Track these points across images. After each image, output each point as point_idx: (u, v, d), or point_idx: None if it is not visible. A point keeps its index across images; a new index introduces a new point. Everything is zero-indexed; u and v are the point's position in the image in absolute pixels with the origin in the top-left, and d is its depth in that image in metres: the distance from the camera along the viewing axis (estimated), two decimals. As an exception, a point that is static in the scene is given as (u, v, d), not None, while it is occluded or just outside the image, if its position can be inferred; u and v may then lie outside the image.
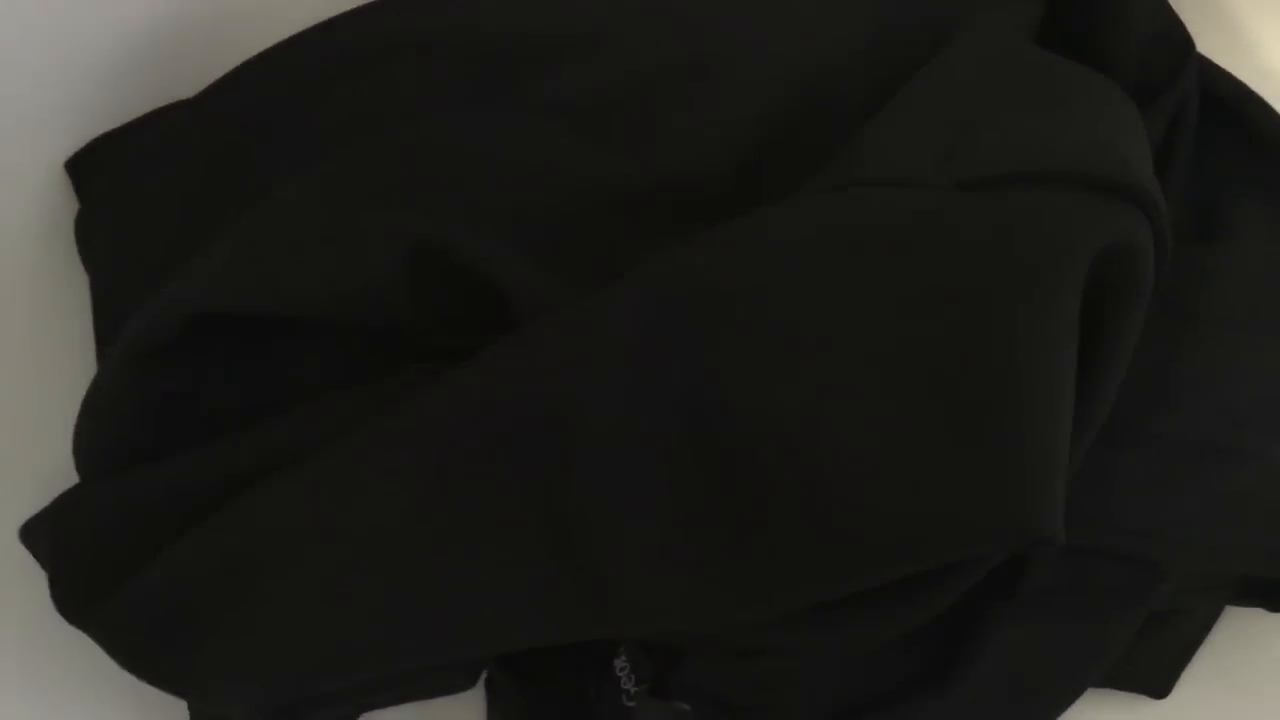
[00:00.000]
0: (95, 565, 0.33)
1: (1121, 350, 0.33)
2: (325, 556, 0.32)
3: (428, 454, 0.32)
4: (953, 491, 0.30)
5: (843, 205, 0.33)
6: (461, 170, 0.36)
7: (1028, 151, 0.33)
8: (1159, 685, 0.42)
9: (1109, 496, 0.36)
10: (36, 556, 0.35)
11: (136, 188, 0.39)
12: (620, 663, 0.38)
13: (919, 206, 0.32)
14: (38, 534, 0.35)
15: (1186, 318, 0.37)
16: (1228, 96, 0.41)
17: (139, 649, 0.33)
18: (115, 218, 0.39)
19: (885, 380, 0.31)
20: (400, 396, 0.33)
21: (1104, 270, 0.32)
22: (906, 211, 0.32)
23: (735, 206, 0.34)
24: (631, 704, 0.37)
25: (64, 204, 0.40)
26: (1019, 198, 0.32)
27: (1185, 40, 0.40)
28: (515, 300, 0.34)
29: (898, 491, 0.30)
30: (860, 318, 0.32)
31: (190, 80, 0.39)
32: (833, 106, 0.37)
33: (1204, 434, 0.36)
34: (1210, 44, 0.41)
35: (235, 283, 0.33)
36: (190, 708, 0.37)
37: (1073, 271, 0.31)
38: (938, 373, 0.31)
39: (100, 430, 0.35)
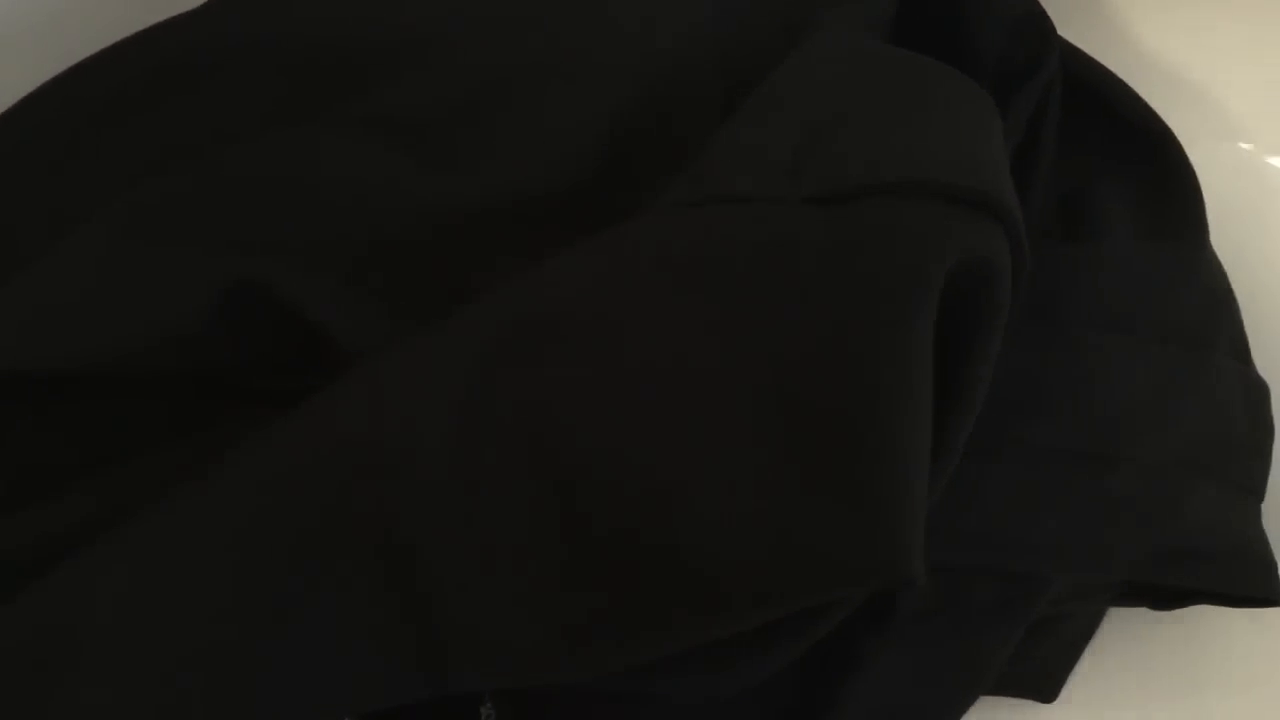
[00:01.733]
0: None
1: (983, 363, 0.31)
2: (138, 639, 0.29)
3: (254, 514, 0.30)
4: (810, 534, 0.28)
5: (685, 226, 0.31)
6: (279, 199, 0.33)
7: (878, 162, 0.31)
8: (1047, 689, 0.42)
9: (979, 511, 0.34)
10: None
11: None
12: (486, 710, 0.36)
13: (766, 225, 0.30)
14: None
15: (1053, 322, 0.35)
16: (1087, 80, 0.39)
17: None
18: None
19: (734, 412, 0.29)
20: (218, 454, 0.31)
21: (960, 285, 0.30)
22: (752, 231, 0.30)
23: (581, 222, 0.32)
24: (497, 754, 0.35)
25: None
26: (871, 211, 0.30)
27: (1047, 26, 0.38)
28: (341, 339, 0.32)
29: (752, 534, 0.28)
30: (706, 346, 0.30)
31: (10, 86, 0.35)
32: (684, 106, 0.35)
33: (1074, 443, 0.35)
34: (1075, 30, 0.40)
35: (26, 343, 0.30)
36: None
37: (928, 288, 0.29)
38: (789, 402, 0.29)
39: None
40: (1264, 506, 0.40)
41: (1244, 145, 0.46)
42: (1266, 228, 0.45)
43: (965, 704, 0.37)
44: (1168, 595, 0.39)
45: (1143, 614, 0.42)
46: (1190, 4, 0.45)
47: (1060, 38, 0.39)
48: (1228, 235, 0.40)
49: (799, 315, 0.29)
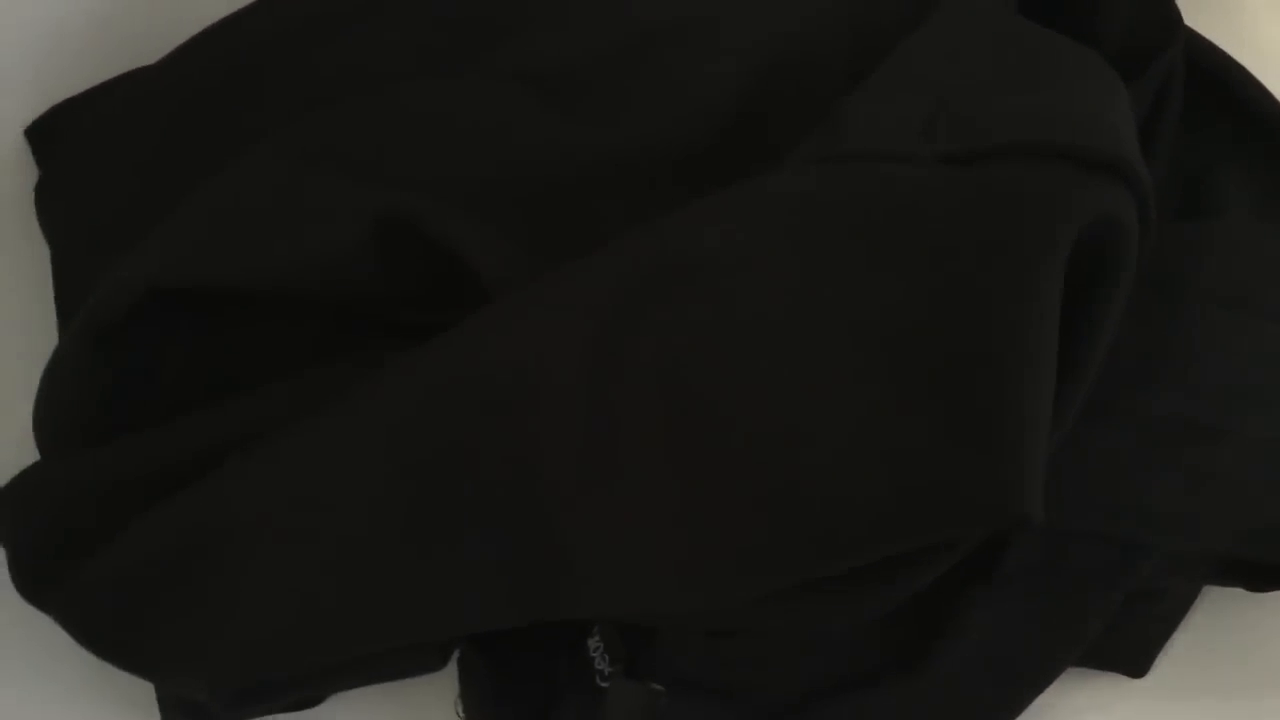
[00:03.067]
0: (54, 545, 0.33)
1: (1104, 328, 0.32)
2: (286, 539, 0.31)
3: (392, 433, 0.32)
4: (932, 471, 0.29)
5: (823, 179, 0.32)
6: (431, 140, 0.35)
7: (1011, 124, 0.32)
8: (1137, 665, 0.42)
9: (1089, 476, 0.35)
10: None
11: (98, 155, 0.38)
12: (594, 643, 0.37)
13: (901, 181, 0.32)
14: None
15: (1170, 296, 0.36)
16: (1213, 69, 0.40)
17: (98, 631, 0.32)
18: (76, 186, 0.38)
19: (863, 357, 0.30)
20: (365, 376, 0.33)
21: (1088, 246, 0.31)
22: (888, 186, 0.32)
23: (714, 174, 0.33)
24: (604, 684, 0.36)
25: (24, 172, 0.39)
26: (1002, 172, 0.31)
27: (1172, 13, 0.39)
28: (485, 275, 0.33)
29: (875, 471, 0.30)
30: (839, 294, 0.31)
31: (152, 47, 0.38)
32: (814, 71, 0.37)
33: (1185, 413, 0.36)
34: (1198, 18, 0.41)
35: (195, 258, 0.32)
36: (157, 692, 0.36)
37: (1056, 248, 0.30)
38: (918, 350, 0.30)
39: (59, 407, 0.34)
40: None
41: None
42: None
43: (1060, 664, 0.38)
44: (1265, 575, 0.40)
45: (1238, 598, 0.42)
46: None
47: (1187, 27, 0.40)
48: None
49: (930, 267, 0.31)
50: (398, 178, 0.34)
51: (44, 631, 0.34)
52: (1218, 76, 0.40)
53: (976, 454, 0.29)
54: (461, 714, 0.40)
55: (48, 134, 0.39)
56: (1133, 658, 0.42)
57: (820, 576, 0.31)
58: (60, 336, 0.38)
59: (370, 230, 0.33)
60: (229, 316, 0.34)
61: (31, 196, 0.39)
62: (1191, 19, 0.40)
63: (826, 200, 0.32)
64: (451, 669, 0.40)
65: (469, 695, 0.40)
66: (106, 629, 0.32)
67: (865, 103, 0.34)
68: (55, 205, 0.38)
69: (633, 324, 0.31)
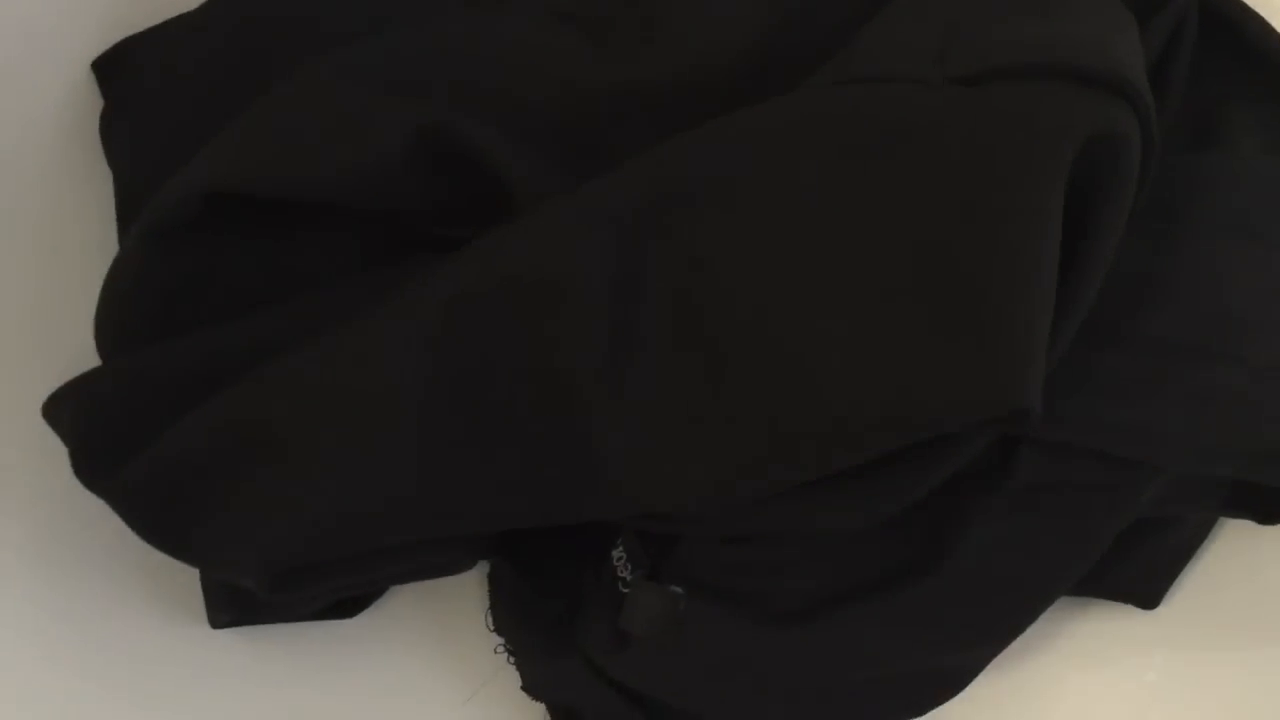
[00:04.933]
0: (114, 436, 0.35)
1: (1105, 240, 0.33)
2: (327, 430, 0.33)
3: (427, 332, 0.33)
4: (934, 364, 0.31)
5: (835, 98, 0.34)
6: (468, 66, 0.37)
7: (1019, 47, 0.33)
8: (1149, 596, 0.43)
9: (1092, 395, 0.36)
10: (58, 430, 0.36)
11: (159, 87, 0.40)
12: (618, 553, 0.39)
13: (912, 101, 0.33)
14: (59, 408, 0.36)
15: (1174, 221, 0.37)
16: (1228, 14, 0.41)
17: (152, 516, 0.34)
18: (139, 116, 0.40)
19: (870, 261, 0.32)
20: (407, 280, 0.34)
21: (1089, 161, 0.32)
22: (895, 104, 0.33)
23: (737, 103, 0.35)
24: (626, 590, 0.38)
25: (91, 103, 0.42)
26: (1008, 90, 0.33)
27: (1187, -44, 0.40)
28: (519, 190, 0.35)
29: (880, 367, 0.31)
30: (851, 204, 0.32)
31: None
32: (835, 12, 0.38)
33: (1188, 336, 0.37)
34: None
35: (245, 165, 0.35)
36: (201, 576, 0.38)
37: (1056, 159, 0.32)
38: (924, 255, 0.32)
39: (119, 309, 0.36)
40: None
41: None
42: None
43: (1063, 581, 0.39)
44: (1273, 504, 0.41)
45: (1250, 534, 0.43)
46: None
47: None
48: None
49: (938, 179, 0.32)
50: (440, 96, 0.36)
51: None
52: (1232, 21, 0.41)
53: (977, 348, 0.30)
54: (491, 626, 0.42)
55: (112, 68, 0.41)
56: (1145, 588, 0.43)
57: (833, 472, 0.32)
58: (120, 243, 0.40)
59: (413, 143, 0.35)
60: (281, 224, 0.36)
61: (97, 126, 0.41)
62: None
63: (839, 117, 0.33)
64: (482, 583, 0.42)
65: (498, 607, 0.42)
66: (158, 514, 0.34)
67: (880, 31, 0.35)
68: (118, 133, 0.41)
69: (655, 232, 0.33)
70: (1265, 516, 0.41)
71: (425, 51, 0.37)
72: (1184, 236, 0.37)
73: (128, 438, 0.34)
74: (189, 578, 0.39)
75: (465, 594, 0.43)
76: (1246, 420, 0.38)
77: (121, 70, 0.41)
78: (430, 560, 0.38)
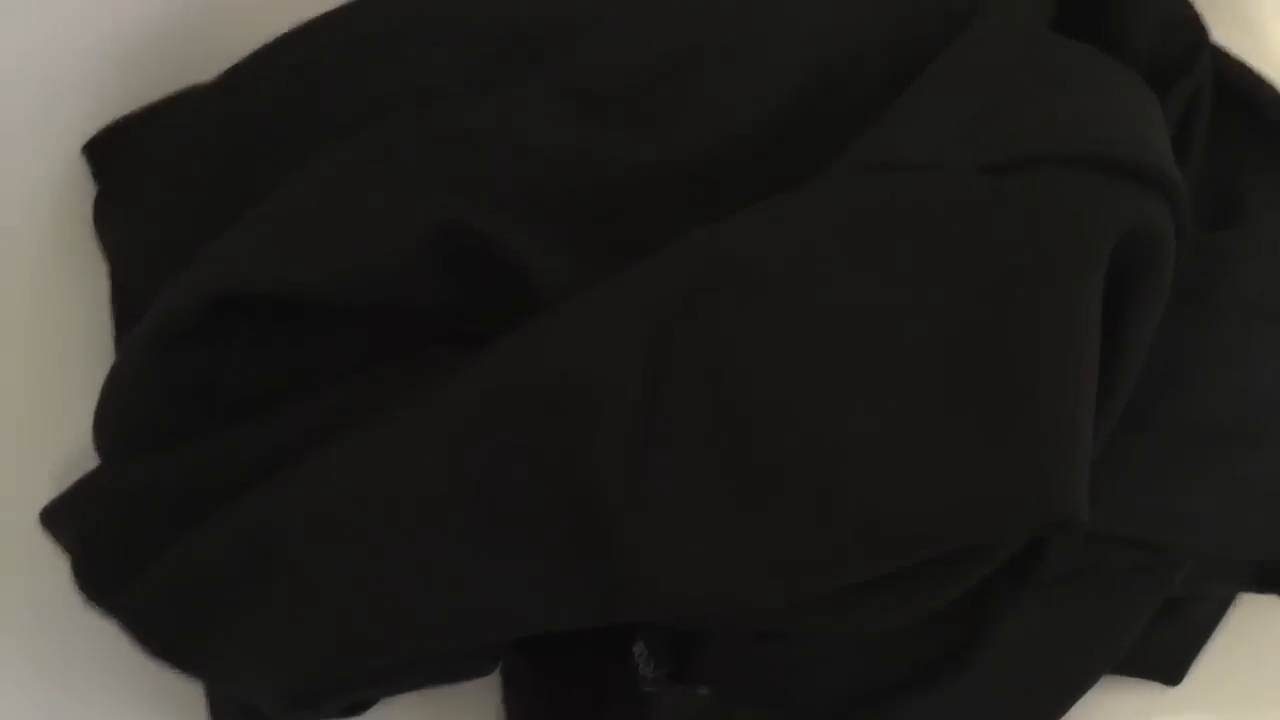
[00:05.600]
0: (118, 548, 0.33)
1: (1143, 335, 0.33)
2: (348, 541, 0.32)
3: (451, 438, 0.32)
4: (977, 474, 0.30)
5: (867, 189, 0.33)
6: (484, 154, 0.36)
7: (1050, 133, 0.33)
8: (1172, 672, 0.43)
9: (1123, 481, 0.36)
10: (58, 540, 0.35)
11: (155, 171, 0.39)
12: (639, 648, 0.38)
13: (943, 190, 0.33)
14: (59, 518, 0.35)
15: (1202, 303, 0.37)
16: (1240, 84, 0.41)
17: (162, 633, 0.33)
18: (134, 201, 0.39)
19: (909, 363, 0.31)
20: (424, 381, 0.33)
21: (1126, 254, 0.32)
22: (930, 195, 0.33)
23: (760, 190, 0.34)
24: (650, 690, 0.37)
25: (83, 188, 0.40)
26: (1042, 180, 0.32)
27: (1199, 28, 0.40)
28: (538, 284, 0.34)
29: (922, 473, 0.30)
30: (884, 301, 0.32)
31: (206, 65, 0.39)
32: (856, 90, 0.37)
33: (1219, 419, 0.37)
34: (1224, 33, 0.42)
35: (257, 266, 0.33)
36: (209, 696, 0.37)
37: (1097, 255, 0.31)
38: (962, 355, 0.31)
39: (122, 413, 0.35)
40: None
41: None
42: None
43: (1096, 672, 0.38)
44: (1301, 581, 0.40)
45: (1273, 605, 0.42)
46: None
47: (1213, 42, 0.41)
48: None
49: (974, 274, 0.31)
50: (453, 189, 0.35)
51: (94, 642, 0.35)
52: (1244, 92, 0.41)
53: (1022, 457, 0.30)
54: (505, 720, 0.41)
55: (106, 150, 0.40)
56: (1168, 665, 0.42)
57: (870, 579, 0.31)
58: (117, 348, 0.38)
59: (428, 240, 0.34)
60: (289, 324, 0.35)
61: (89, 212, 0.40)
62: (1218, 36, 0.41)
63: (869, 209, 0.33)
64: (494, 677, 0.41)
65: (513, 702, 0.40)
66: (170, 631, 0.33)
67: (904, 114, 0.35)
68: (112, 220, 0.39)
69: (685, 328, 0.32)
70: (1291, 592, 0.41)
71: (436, 141, 0.36)
72: (1210, 318, 0.37)
73: (133, 551, 0.33)
74: (193, 690, 0.38)
75: (477, 689, 0.41)
76: (1277, 504, 0.37)
77: (115, 153, 0.40)
78: (451, 669, 0.36)
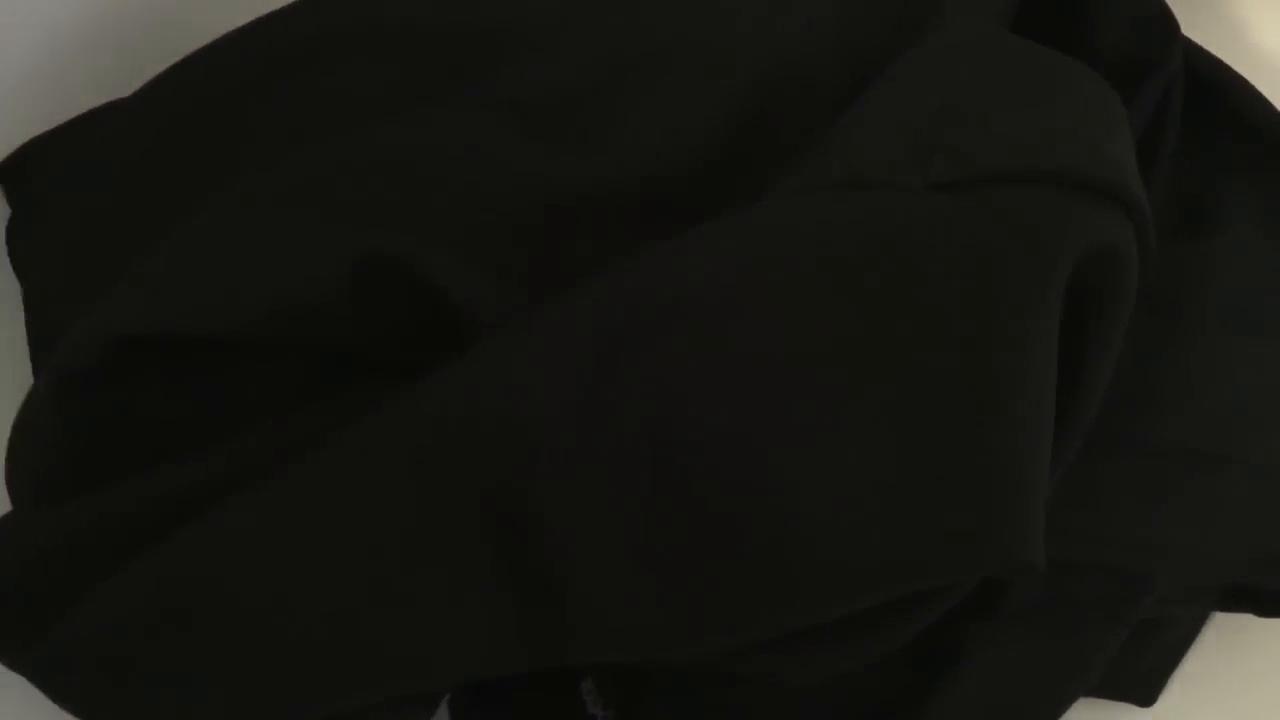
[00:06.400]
0: (29, 601, 0.32)
1: (1105, 359, 0.31)
2: (270, 590, 0.30)
3: (377, 480, 0.31)
4: (929, 520, 0.28)
5: (812, 210, 0.31)
6: (412, 177, 0.34)
7: (1006, 149, 0.31)
8: (1145, 693, 0.41)
9: (1092, 508, 0.34)
10: None
11: (70, 193, 0.37)
12: (587, 686, 0.36)
13: (893, 210, 0.31)
14: None
15: (1169, 319, 0.35)
16: (1211, 79, 0.39)
17: (76, 689, 0.31)
18: (49, 224, 0.37)
19: (856, 397, 0.29)
20: (347, 421, 0.31)
21: (1086, 273, 0.30)
22: (880, 216, 0.31)
23: (702, 206, 0.32)
24: (597, 729, 0.36)
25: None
26: (996, 199, 0.30)
27: (1170, 22, 0.38)
28: (471, 313, 0.32)
29: (871, 516, 0.29)
30: (830, 331, 0.30)
31: (120, 81, 0.37)
32: (803, 98, 0.36)
33: (1188, 441, 0.35)
34: (1195, 27, 0.40)
35: (162, 307, 0.31)
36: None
37: (1053, 276, 0.29)
38: (912, 390, 0.29)
39: (31, 457, 0.33)
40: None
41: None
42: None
43: (1066, 701, 0.37)
44: (1274, 600, 0.39)
45: (1247, 622, 0.41)
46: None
47: (1184, 37, 0.39)
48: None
49: (924, 300, 0.30)
50: (378, 217, 0.33)
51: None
52: (1217, 87, 0.39)
53: (974, 502, 0.28)
54: (452, 760, 0.39)
55: (18, 172, 0.38)
56: (1141, 686, 0.41)
57: (817, 622, 0.30)
58: (35, 379, 0.37)
59: (351, 270, 0.32)
60: (202, 362, 0.33)
61: (1, 236, 0.38)
62: (1185, 24, 0.39)
63: (815, 232, 0.31)
64: (443, 712, 0.40)
65: (461, 739, 0.39)
66: (86, 687, 0.31)
67: (854, 129, 0.33)
68: (27, 244, 0.37)
69: (619, 366, 0.30)
70: (1264, 611, 0.40)
71: (361, 165, 0.34)
72: (1176, 334, 0.35)
73: (44, 605, 0.31)
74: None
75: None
76: (1249, 525, 0.36)
77: (29, 174, 0.38)
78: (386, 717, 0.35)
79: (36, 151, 0.38)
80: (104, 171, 0.36)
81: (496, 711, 0.38)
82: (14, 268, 0.38)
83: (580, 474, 0.30)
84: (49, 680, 0.31)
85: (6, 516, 0.33)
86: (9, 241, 0.38)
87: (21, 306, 0.38)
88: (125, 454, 0.33)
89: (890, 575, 0.28)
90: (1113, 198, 0.30)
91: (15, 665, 0.32)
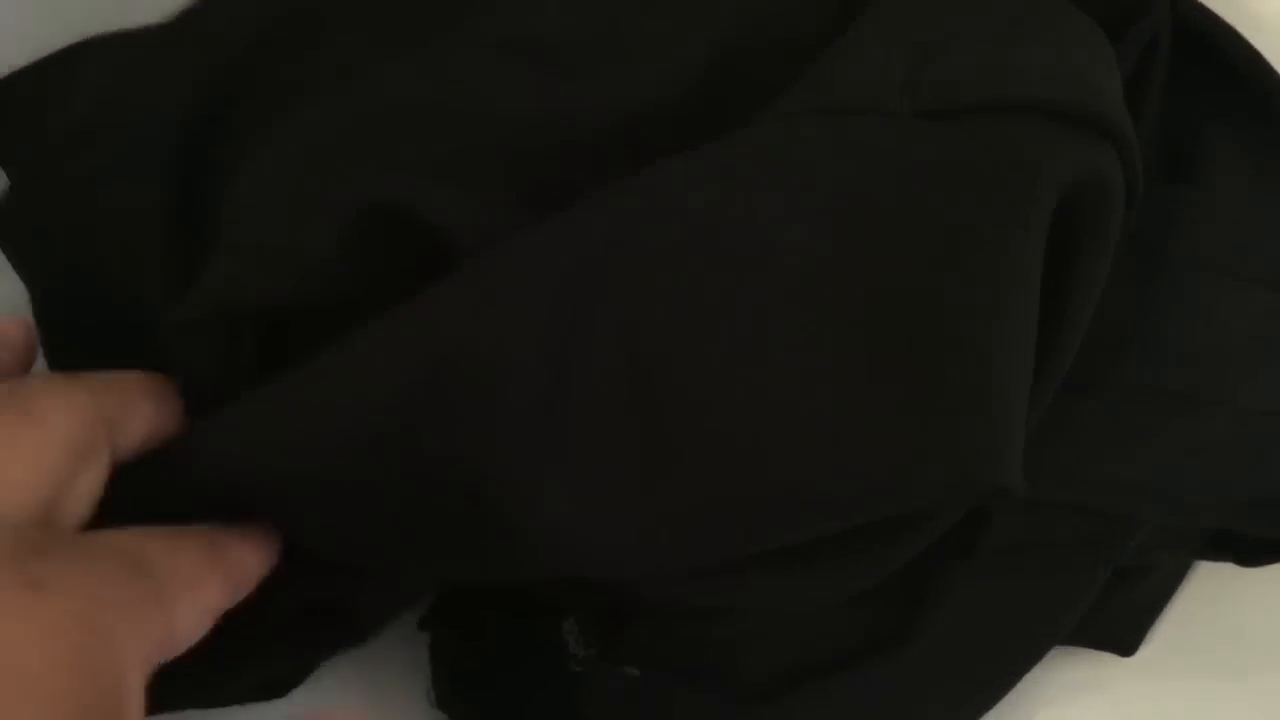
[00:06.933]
0: None
1: (1089, 293, 0.31)
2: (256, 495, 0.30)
3: (350, 406, 0.30)
4: (906, 440, 0.28)
5: (798, 135, 0.31)
6: (409, 117, 0.33)
7: (993, 79, 0.31)
8: (1126, 643, 0.41)
9: (1072, 448, 0.34)
10: None
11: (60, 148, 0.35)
12: (569, 625, 0.36)
13: (877, 136, 0.30)
14: None
15: (1154, 261, 0.35)
16: (1199, 27, 0.39)
17: None
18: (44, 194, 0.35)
19: (834, 320, 0.29)
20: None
21: (1071, 206, 0.30)
22: (867, 142, 0.30)
23: (698, 133, 0.32)
24: (579, 669, 0.35)
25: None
26: (982, 128, 0.30)
27: (1157, -32, 0.38)
28: (465, 247, 0.32)
29: (847, 439, 0.28)
30: (809, 253, 0.29)
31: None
32: (792, 31, 0.35)
33: (1172, 382, 0.35)
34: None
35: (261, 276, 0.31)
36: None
37: (1038, 206, 0.29)
38: (890, 312, 0.29)
39: None
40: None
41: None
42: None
43: (1047, 643, 0.37)
44: (1255, 548, 0.39)
45: (1229, 572, 0.41)
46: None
47: (1172, -15, 0.39)
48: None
49: (906, 227, 0.29)
50: (377, 163, 0.32)
51: None
52: (1205, 36, 0.39)
53: (952, 424, 0.28)
54: (434, 702, 0.39)
55: None
56: (1122, 635, 0.41)
57: (792, 548, 0.29)
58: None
59: (355, 218, 0.32)
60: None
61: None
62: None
63: (798, 158, 0.30)
64: (423, 656, 0.40)
65: (441, 682, 0.39)
66: None
67: (841, 58, 0.32)
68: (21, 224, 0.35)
69: (595, 291, 0.30)
70: (1246, 559, 0.40)
71: (360, 113, 0.33)
72: (1161, 276, 0.35)
73: None
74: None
75: (405, 668, 0.40)
76: (1231, 467, 0.36)
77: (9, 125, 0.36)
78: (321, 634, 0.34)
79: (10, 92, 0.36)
80: (103, 111, 0.35)
81: (479, 655, 0.38)
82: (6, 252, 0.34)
83: (551, 399, 0.30)
84: None
85: None
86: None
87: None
88: None
89: (865, 495, 0.28)
90: (1101, 130, 0.30)
91: None
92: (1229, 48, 0.39)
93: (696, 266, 0.29)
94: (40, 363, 0.34)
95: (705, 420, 0.29)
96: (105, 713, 0.25)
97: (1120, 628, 0.41)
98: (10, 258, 0.34)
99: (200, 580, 0.28)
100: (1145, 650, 0.42)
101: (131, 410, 0.30)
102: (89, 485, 0.28)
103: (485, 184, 0.33)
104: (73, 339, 0.33)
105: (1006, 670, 0.36)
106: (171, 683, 0.31)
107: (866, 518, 0.28)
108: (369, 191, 0.32)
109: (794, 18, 0.35)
